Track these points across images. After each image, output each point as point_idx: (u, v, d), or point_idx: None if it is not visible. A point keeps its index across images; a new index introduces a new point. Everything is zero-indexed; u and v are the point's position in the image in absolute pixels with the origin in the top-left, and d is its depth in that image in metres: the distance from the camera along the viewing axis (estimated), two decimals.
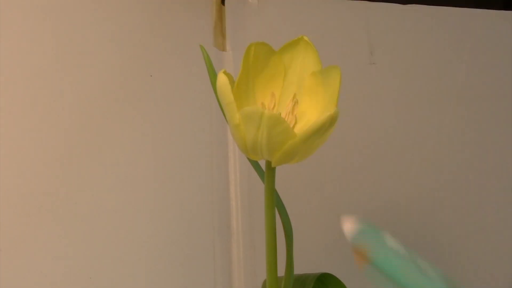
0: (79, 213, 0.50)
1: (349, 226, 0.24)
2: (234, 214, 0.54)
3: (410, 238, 0.56)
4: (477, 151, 0.60)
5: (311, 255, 0.53)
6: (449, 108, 0.62)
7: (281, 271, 0.36)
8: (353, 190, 0.57)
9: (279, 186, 0.35)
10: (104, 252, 0.50)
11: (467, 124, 0.61)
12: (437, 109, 0.61)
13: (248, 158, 0.35)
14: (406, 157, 0.59)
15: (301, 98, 0.34)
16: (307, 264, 0.44)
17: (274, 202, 0.34)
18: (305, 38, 0.34)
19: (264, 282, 0.38)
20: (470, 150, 0.60)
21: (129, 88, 0.55)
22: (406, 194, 0.58)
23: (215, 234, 0.53)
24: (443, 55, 0.63)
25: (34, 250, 0.49)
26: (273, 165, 0.32)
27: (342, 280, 0.41)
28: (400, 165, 0.59)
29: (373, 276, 0.23)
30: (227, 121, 0.31)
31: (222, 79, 0.30)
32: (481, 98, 0.62)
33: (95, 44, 0.56)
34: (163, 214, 0.52)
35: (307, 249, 0.53)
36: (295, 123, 0.33)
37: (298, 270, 0.39)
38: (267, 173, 0.33)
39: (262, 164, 0.35)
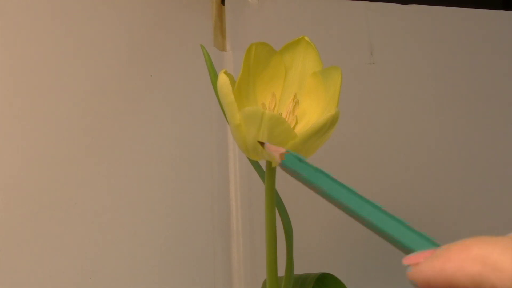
0: (79, 213, 0.50)
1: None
2: (234, 214, 0.54)
3: None
4: (477, 150, 0.60)
5: (311, 255, 0.53)
6: (448, 107, 0.62)
7: (281, 271, 0.36)
8: None
9: (279, 186, 0.35)
10: (104, 252, 0.50)
11: (467, 123, 0.61)
12: (436, 108, 0.61)
13: (249, 158, 0.35)
14: (406, 156, 0.59)
15: (301, 98, 0.33)
16: (307, 264, 0.44)
17: (274, 202, 0.34)
18: (306, 38, 0.34)
19: (264, 282, 0.38)
20: (470, 149, 0.60)
21: (129, 88, 0.55)
22: (406, 194, 0.58)
23: (215, 234, 0.53)
24: (443, 55, 0.64)
25: (34, 250, 0.49)
26: (273, 165, 0.32)
27: (342, 280, 0.41)
28: (400, 165, 0.59)
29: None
30: (227, 121, 0.31)
31: (223, 79, 0.30)
32: (481, 98, 0.62)
33: (95, 44, 0.56)
34: (163, 214, 0.52)
35: (307, 249, 0.53)
36: (296, 123, 0.33)
37: (298, 270, 0.39)
38: (268, 173, 0.33)
39: (262, 164, 0.35)
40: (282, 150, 0.24)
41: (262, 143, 0.26)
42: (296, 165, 0.24)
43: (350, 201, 0.22)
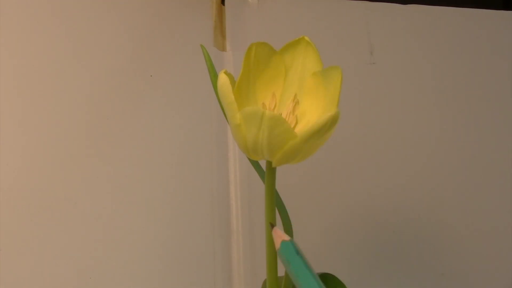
0: (79, 213, 0.50)
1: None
2: (234, 214, 0.54)
3: (410, 237, 0.56)
4: (477, 151, 0.60)
5: (311, 255, 0.53)
6: (449, 108, 0.62)
7: (281, 271, 0.36)
8: (353, 190, 0.57)
9: (279, 186, 0.35)
10: (104, 252, 0.50)
11: (467, 124, 0.61)
12: (437, 109, 0.61)
13: (249, 158, 0.35)
14: (406, 157, 0.59)
15: (302, 98, 0.34)
16: None
17: (274, 202, 0.34)
18: (306, 38, 0.34)
19: (264, 282, 0.38)
20: (470, 150, 0.60)
21: (129, 88, 0.55)
22: (406, 194, 0.58)
23: (215, 234, 0.53)
24: (443, 55, 0.64)
25: (34, 250, 0.49)
26: (273, 165, 0.32)
27: (342, 280, 0.41)
28: (400, 165, 0.59)
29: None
30: (227, 121, 0.31)
31: (223, 79, 0.30)
32: (481, 98, 0.62)
33: (95, 44, 0.56)
34: (163, 214, 0.52)
35: (307, 249, 0.53)
36: (296, 123, 0.33)
37: None
38: (268, 173, 0.33)
39: (262, 164, 0.35)
40: (286, 238, 0.25)
41: (272, 225, 0.27)
42: (290, 255, 0.24)
43: None
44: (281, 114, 0.33)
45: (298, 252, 0.25)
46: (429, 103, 0.61)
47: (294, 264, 0.24)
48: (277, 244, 0.25)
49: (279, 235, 0.25)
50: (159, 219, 0.52)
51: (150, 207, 0.52)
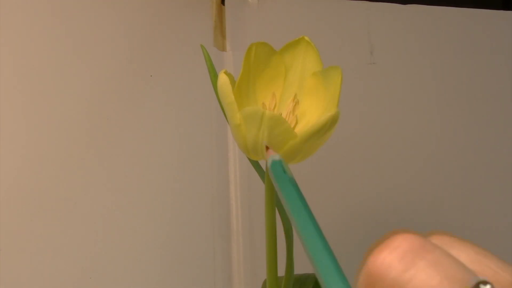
0: (79, 213, 0.50)
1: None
2: (234, 214, 0.54)
3: None
4: (477, 150, 0.60)
5: None
6: (449, 107, 0.62)
7: (281, 271, 0.36)
8: (354, 190, 0.57)
9: None
10: (104, 252, 0.50)
11: (467, 123, 0.61)
12: (437, 108, 0.61)
13: (249, 158, 0.35)
14: (406, 156, 0.59)
15: (301, 98, 0.33)
16: (307, 264, 0.44)
17: (274, 202, 0.34)
18: (306, 38, 0.34)
19: (264, 282, 0.38)
20: (470, 149, 0.60)
21: (129, 88, 0.55)
22: (407, 194, 0.58)
23: (215, 234, 0.52)
24: (443, 55, 0.64)
25: (34, 250, 0.49)
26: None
27: None
28: (400, 165, 0.59)
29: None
30: (227, 121, 0.31)
31: (223, 79, 0.30)
32: (481, 98, 0.62)
33: (95, 44, 0.56)
34: (163, 214, 0.52)
35: None
36: (296, 123, 0.33)
37: (298, 270, 0.39)
38: (268, 173, 0.33)
39: (262, 164, 0.35)
40: (276, 156, 0.24)
41: (267, 147, 0.26)
42: (276, 172, 0.24)
43: (304, 230, 0.21)
44: (281, 114, 0.33)
45: (285, 170, 0.24)
46: (429, 103, 0.61)
47: (279, 180, 0.24)
48: (268, 161, 0.25)
49: (270, 152, 0.25)
50: (159, 219, 0.52)
51: (150, 207, 0.52)
